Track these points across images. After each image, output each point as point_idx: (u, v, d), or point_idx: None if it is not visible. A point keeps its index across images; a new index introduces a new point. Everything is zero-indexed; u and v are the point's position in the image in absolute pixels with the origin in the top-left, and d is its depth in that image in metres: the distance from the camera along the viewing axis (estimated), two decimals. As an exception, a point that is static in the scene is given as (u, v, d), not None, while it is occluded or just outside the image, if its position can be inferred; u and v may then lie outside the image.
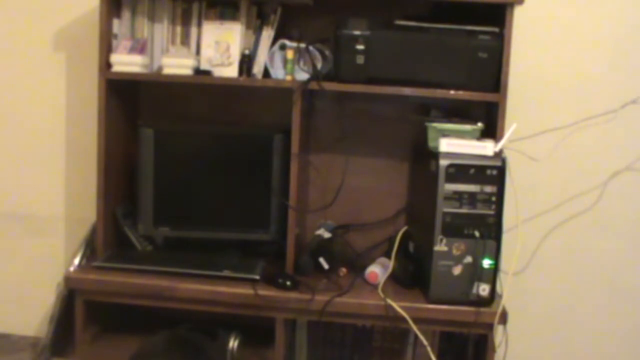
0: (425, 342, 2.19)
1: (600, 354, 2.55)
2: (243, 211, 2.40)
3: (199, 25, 2.34)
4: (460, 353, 2.34)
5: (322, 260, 2.32)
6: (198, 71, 2.29)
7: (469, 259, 2.09)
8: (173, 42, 2.36)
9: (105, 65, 2.29)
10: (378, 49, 2.17)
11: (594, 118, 2.44)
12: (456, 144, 2.09)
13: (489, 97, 2.18)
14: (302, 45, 2.28)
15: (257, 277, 2.22)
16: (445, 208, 2.07)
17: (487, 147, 2.08)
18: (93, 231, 2.41)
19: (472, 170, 2.07)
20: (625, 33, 2.42)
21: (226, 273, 2.23)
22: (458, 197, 2.07)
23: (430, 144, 2.20)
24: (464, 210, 2.07)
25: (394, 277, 2.28)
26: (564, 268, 2.53)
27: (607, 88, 2.44)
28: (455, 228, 2.08)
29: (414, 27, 2.18)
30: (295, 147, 2.26)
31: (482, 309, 2.09)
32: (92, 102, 2.39)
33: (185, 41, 2.35)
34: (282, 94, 2.34)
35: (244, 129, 2.43)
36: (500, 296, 2.16)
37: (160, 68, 2.33)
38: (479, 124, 2.21)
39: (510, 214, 2.28)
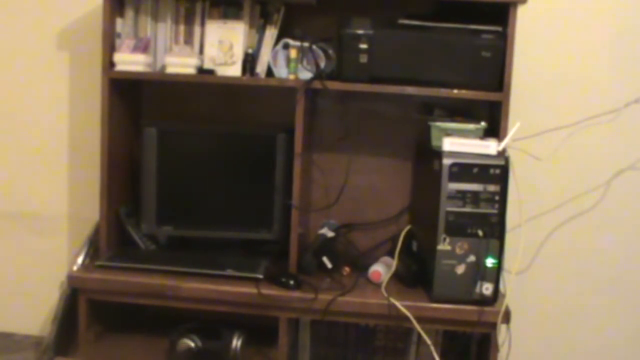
0: (428, 341, 2.19)
1: (604, 353, 2.55)
2: (246, 210, 2.40)
3: (202, 24, 2.34)
4: (464, 352, 2.33)
5: (325, 259, 2.32)
6: (201, 70, 2.29)
7: (472, 258, 2.09)
8: (176, 41, 2.36)
9: (109, 64, 2.29)
10: (381, 48, 2.17)
11: (597, 117, 2.44)
12: (459, 143, 2.09)
13: (492, 96, 2.18)
14: (306, 44, 2.28)
15: (261, 276, 2.22)
16: (448, 207, 2.07)
17: (491, 146, 2.08)
18: (96, 230, 2.41)
19: (475, 170, 2.07)
20: (628, 32, 2.42)
21: (229, 272, 2.24)
22: (461, 196, 2.07)
23: (434, 143, 2.20)
24: (467, 210, 2.07)
25: (397, 276, 2.28)
26: (567, 267, 2.53)
27: (611, 87, 2.44)
28: (458, 227, 2.08)
29: (417, 26, 2.18)
30: (298, 146, 2.26)
31: (486, 308, 2.09)
32: (96, 101, 2.39)
33: (188, 40, 2.35)
34: (285, 93, 2.34)
35: (247, 128, 2.43)
36: (504, 295, 2.16)
37: (163, 67, 2.32)
38: (482, 123, 2.21)
39: (514, 213, 2.27)
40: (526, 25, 2.38)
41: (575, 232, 2.50)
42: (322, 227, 2.45)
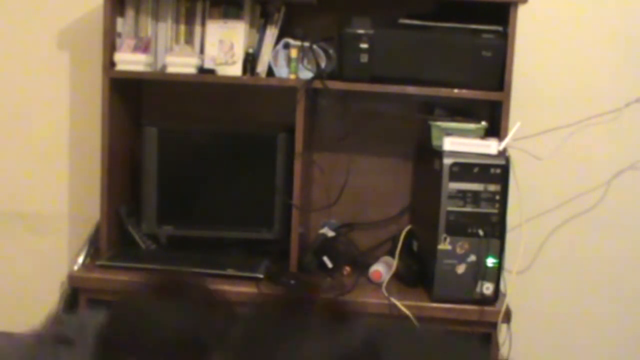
0: (429, 340, 2.18)
1: (604, 353, 2.55)
2: (247, 210, 2.40)
3: (203, 24, 2.34)
4: (464, 352, 2.33)
5: (325, 259, 2.32)
6: (202, 70, 2.29)
7: (472, 258, 2.09)
8: (177, 40, 2.36)
9: (109, 64, 2.29)
10: (382, 48, 2.17)
11: (598, 117, 2.44)
12: (460, 142, 2.09)
13: (492, 95, 2.18)
14: (306, 44, 2.28)
15: (261, 275, 2.22)
16: (449, 207, 2.07)
17: (491, 146, 2.08)
18: (97, 230, 2.41)
19: (476, 169, 2.07)
20: (629, 31, 2.42)
21: (230, 272, 2.23)
22: (462, 195, 2.07)
23: (434, 142, 2.20)
24: (467, 209, 2.07)
25: (397, 276, 2.28)
26: (567, 267, 2.53)
27: (612, 87, 2.44)
28: (459, 227, 2.08)
29: (417, 25, 2.18)
30: (299, 146, 2.26)
31: (486, 308, 2.09)
32: (96, 100, 2.39)
33: (189, 40, 2.35)
34: (285, 92, 2.34)
35: (247, 128, 2.43)
36: (504, 295, 2.16)
37: (164, 67, 2.32)
38: (483, 123, 2.21)
39: (514, 213, 2.27)
40: (526, 25, 2.37)
41: (575, 232, 2.50)
42: (322, 226, 2.45)
